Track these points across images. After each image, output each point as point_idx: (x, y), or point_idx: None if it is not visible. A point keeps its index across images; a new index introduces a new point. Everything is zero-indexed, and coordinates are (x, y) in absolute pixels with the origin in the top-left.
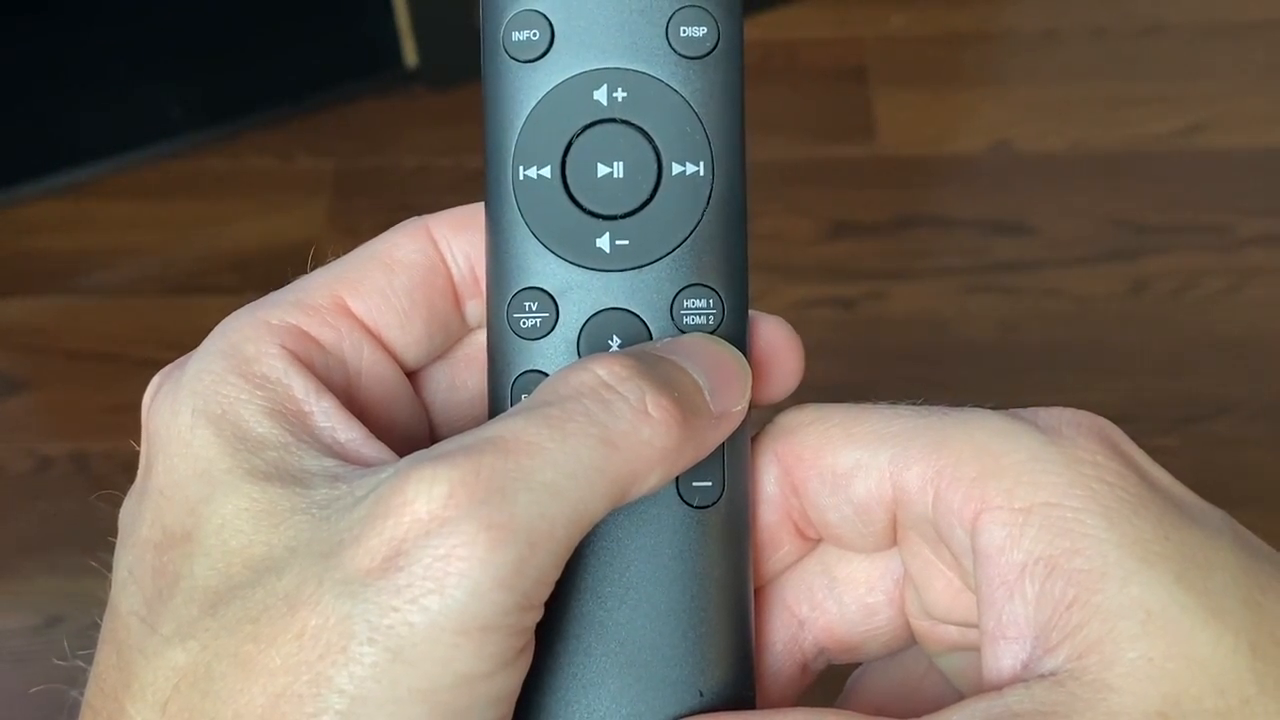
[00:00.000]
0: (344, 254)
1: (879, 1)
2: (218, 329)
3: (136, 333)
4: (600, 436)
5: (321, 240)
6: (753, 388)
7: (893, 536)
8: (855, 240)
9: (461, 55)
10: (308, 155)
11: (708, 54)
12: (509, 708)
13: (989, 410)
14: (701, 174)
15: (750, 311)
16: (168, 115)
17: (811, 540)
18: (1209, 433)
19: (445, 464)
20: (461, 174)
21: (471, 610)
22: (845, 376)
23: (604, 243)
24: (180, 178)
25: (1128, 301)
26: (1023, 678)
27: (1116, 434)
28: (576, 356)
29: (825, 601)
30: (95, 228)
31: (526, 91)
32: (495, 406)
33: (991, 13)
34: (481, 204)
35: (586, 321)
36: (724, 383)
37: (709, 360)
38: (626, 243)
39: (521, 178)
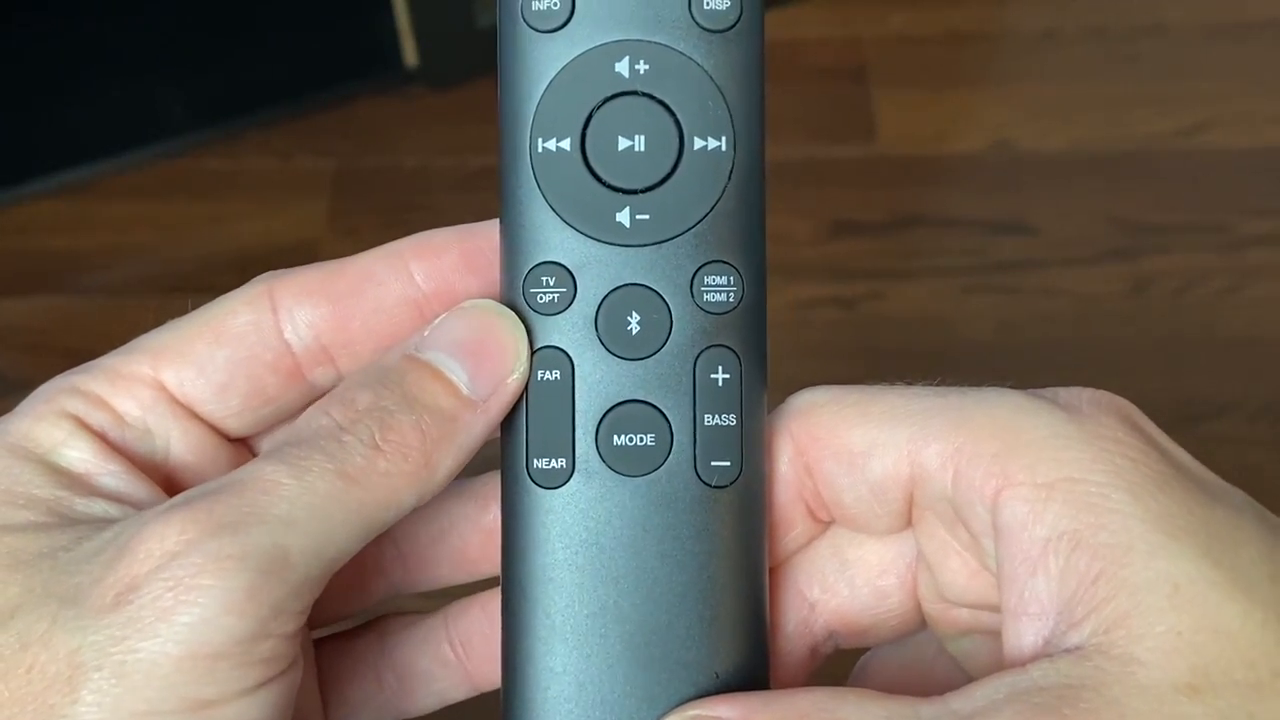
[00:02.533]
0: (346, 255)
1: (879, 1)
2: (39, 389)
3: (136, 333)
4: (337, 471)
5: (321, 240)
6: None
7: (907, 518)
8: (855, 240)
9: (461, 55)
10: (308, 155)
11: (730, 27)
12: None
13: (1008, 389)
14: (724, 149)
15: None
16: (168, 115)
17: (823, 522)
18: (1209, 433)
19: (181, 507)
20: (462, 174)
21: (200, 635)
22: (845, 377)
23: (624, 217)
24: (180, 178)
25: (1128, 301)
26: (1045, 654)
27: (1136, 414)
28: (594, 332)
29: (836, 584)
30: (95, 228)
31: (546, 62)
32: None
33: (991, 13)
34: (334, 264)
35: (605, 297)
36: (486, 361)
37: (468, 339)
38: (647, 217)
39: (540, 150)
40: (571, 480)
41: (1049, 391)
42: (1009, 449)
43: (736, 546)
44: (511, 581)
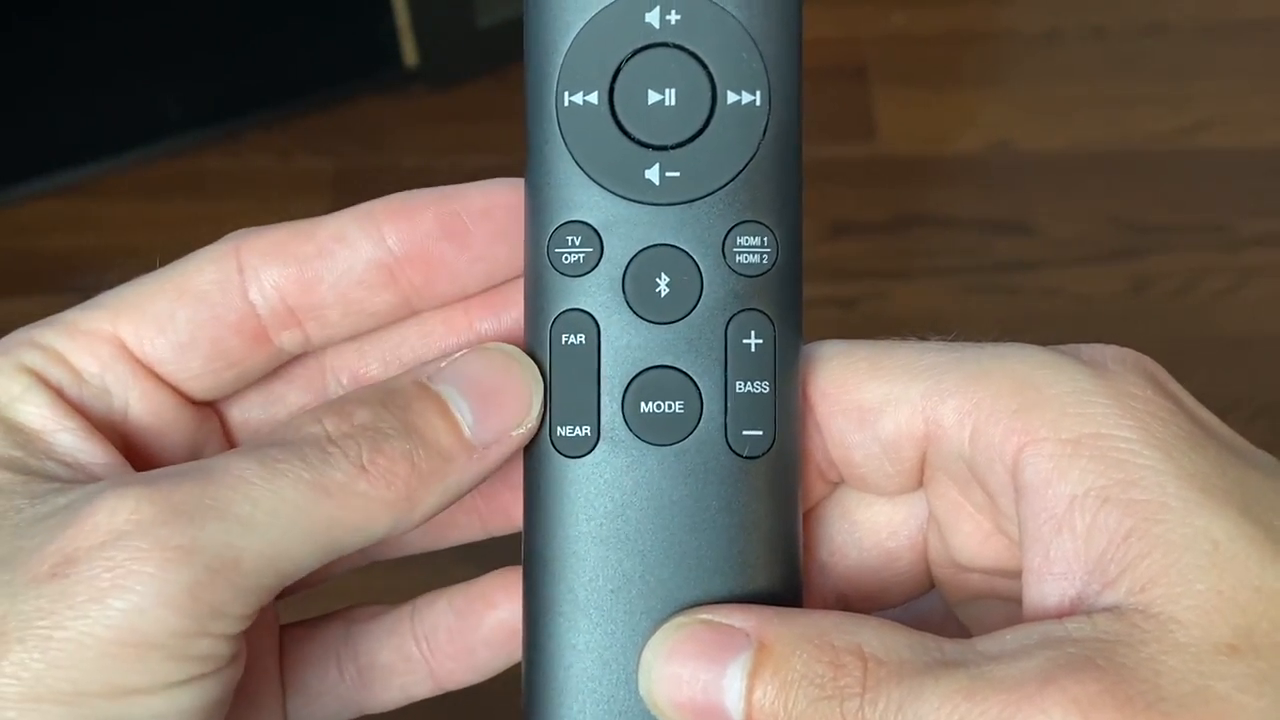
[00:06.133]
0: None
1: (879, 1)
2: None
3: None
4: (312, 482)
5: None
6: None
7: (919, 477)
8: (855, 240)
9: (461, 55)
10: (307, 155)
11: None
12: None
13: (1027, 344)
14: (758, 104)
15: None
16: (168, 115)
17: (831, 482)
18: None
19: (141, 484)
20: (461, 174)
21: (132, 623)
22: None
23: (653, 174)
24: (180, 178)
25: (1128, 301)
26: (1075, 612)
27: (1162, 373)
28: (622, 295)
29: (845, 546)
30: (95, 228)
31: (573, 12)
32: (532, 350)
33: (992, 13)
34: (305, 224)
35: (633, 258)
36: (496, 407)
37: (483, 381)
38: (677, 175)
39: (566, 104)
40: (596, 449)
41: (1070, 347)
42: (1031, 404)
43: (769, 520)
44: (533, 554)
